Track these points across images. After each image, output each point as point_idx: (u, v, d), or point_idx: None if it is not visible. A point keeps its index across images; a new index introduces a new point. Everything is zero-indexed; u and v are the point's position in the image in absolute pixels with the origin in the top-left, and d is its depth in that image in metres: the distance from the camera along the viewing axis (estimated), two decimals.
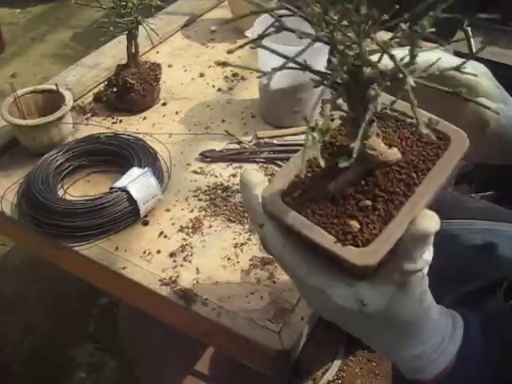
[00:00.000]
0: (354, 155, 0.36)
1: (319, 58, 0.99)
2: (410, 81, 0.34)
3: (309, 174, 0.45)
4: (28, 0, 3.52)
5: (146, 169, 0.90)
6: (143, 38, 1.23)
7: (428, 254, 0.42)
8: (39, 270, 1.69)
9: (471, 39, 1.65)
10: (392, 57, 0.36)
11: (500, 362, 0.50)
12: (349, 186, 0.43)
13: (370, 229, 0.41)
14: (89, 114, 1.13)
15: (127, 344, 1.38)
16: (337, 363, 1.56)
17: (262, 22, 1.02)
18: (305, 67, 0.41)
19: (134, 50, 1.07)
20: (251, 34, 1.01)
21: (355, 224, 0.41)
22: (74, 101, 1.16)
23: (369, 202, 0.42)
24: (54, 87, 1.00)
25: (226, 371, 1.24)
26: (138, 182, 0.88)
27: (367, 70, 0.39)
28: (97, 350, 1.53)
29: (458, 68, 0.38)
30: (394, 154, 0.44)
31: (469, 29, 1.79)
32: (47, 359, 1.49)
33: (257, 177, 0.46)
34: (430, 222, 0.40)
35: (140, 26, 1.04)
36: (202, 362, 1.27)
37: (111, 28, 1.02)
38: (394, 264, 0.42)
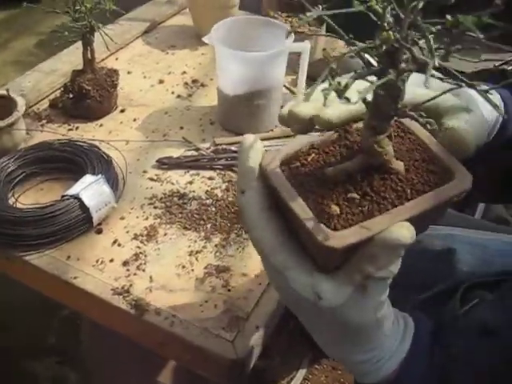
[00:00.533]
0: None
1: (277, 65, 1.00)
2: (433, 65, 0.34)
3: (314, 155, 0.46)
4: None
5: (99, 176, 0.88)
6: (102, 44, 1.22)
7: (395, 267, 0.42)
8: None
9: None
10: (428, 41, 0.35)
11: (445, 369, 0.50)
12: (345, 176, 0.43)
13: (347, 218, 0.41)
14: (44, 121, 1.10)
15: (90, 356, 1.35)
16: (302, 372, 1.56)
17: (219, 28, 1.01)
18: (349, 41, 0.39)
19: (90, 56, 1.06)
20: (208, 39, 1.00)
21: (336, 208, 0.41)
22: (30, 107, 1.14)
23: (356, 196, 0.42)
24: (5, 92, 0.98)
25: (188, 382, 1.22)
26: (90, 190, 0.86)
27: (404, 56, 0.38)
28: (58, 363, 1.49)
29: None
30: (399, 165, 0.44)
31: None
32: (6, 374, 1.45)
33: (258, 143, 0.46)
34: (405, 232, 0.40)
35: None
36: (165, 373, 1.25)
37: (66, 33, 1.01)
38: (358, 264, 0.41)
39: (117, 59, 1.30)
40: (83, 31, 0.98)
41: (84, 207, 0.85)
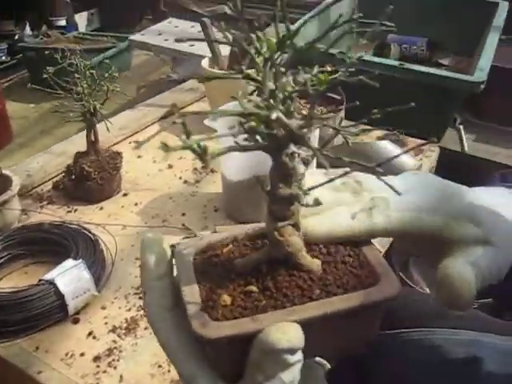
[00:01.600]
0: None
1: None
2: None
3: (232, 247, 0.43)
4: (42, 96, 3.62)
5: (80, 260, 0.82)
6: (116, 129, 1.21)
7: (287, 375, 0.34)
8: None
9: (463, 137, 1.62)
10: None
11: None
12: (251, 268, 0.40)
13: (237, 311, 0.37)
14: (45, 202, 1.07)
15: None
16: None
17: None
18: None
19: (93, 138, 1.03)
20: (210, 122, 0.96)
21: (227, 299, 0.38)
22: (33, 188, 1.11)
23: (255, 289, 0.38)
24: None
25: None
26: (68, 275, 0.80)
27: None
28: None
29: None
30: (312, 262, 0.39)
31: (461, 127, 1.75)
32: None
33: (160, 241, 0.41)
34: (279, 336, 0.33)
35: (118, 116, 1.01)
36: None
37: (71, 114, 0.99)
38: (249, 372, 0.35)
39: (130, 143, 1.29)
40: (84, 112, 0.96)
41: (59, 293, 0.79)
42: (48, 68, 0.92)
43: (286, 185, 0.38)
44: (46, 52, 0.97)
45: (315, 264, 0.40)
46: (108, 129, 0.98)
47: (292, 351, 0.33)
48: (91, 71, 0.93)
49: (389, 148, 1.17)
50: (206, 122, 0.97)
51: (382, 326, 0.47)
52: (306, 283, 0.38)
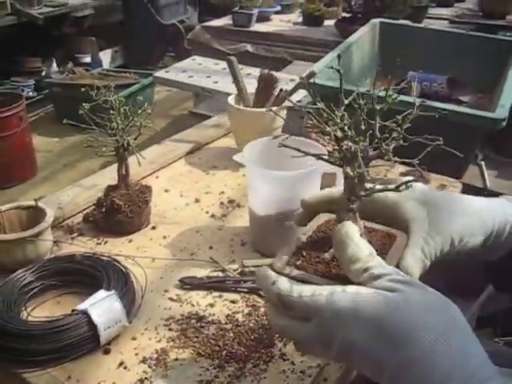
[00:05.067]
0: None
1: (309, 185, 0.97)
2: None
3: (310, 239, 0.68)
4: (66, 130, 3.69)
5: (112, 291, 0.84)
6: (146, 163, 1.24)
7: None
8: None
9: (485, 173, 1.63)
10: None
11: None
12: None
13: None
14: (75, 234, 1.10)
15: None
16: None
17: (252, 147, 1.00)
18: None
19: (124, 171, 1.06)
20: (239, 158, 0.99)
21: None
22: (64, 220, 1.14)
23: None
24: (33, 203, 0.99)
25: None
26: (101, 305, 0.82)
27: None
28: None
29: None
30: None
31: (483, 163, 1.76)
32: None
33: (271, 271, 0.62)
34: None
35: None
36: None
37: (103, 149, 1.03)
38: None
39: (157, 177, 1.31)
40: (117, 147, 0.99)
41: (91, 324, 0.80)
42: (84, 104, 0.95)
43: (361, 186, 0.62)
44: (82, 89, 0.99)
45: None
46: (140, 163, 1.01)
47: None
48: (125, 107, 0.97)
49: None
50: (235, 157, 0.99)
51: None
52: None
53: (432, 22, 3.14)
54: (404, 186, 0.59)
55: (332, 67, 0.62)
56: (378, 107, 0.59)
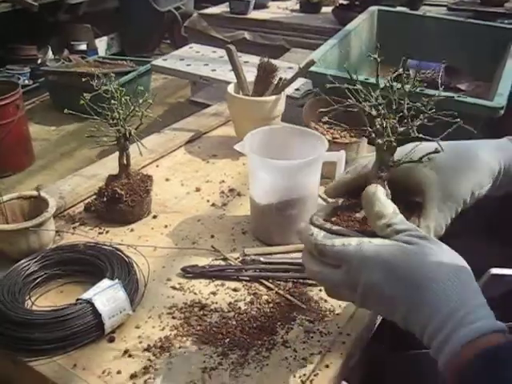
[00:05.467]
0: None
1: (309, 174, 0.97)
2: None
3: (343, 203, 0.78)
4: (63, 118, 3.68)
5: (116, 281, 0.85)
6: (146, 152, 1.24)
7: None
8: None
9: None
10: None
11: None
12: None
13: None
14: (77, 223, 1.10)
15: None
16: None
17: (252, 137, 1.00)
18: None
19: (125, 161, 1.07)
20: (240, 147, 0.99)
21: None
22: (65, 210, 1.14)
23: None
24: (36, 193, 0.99)
25: None
26: (105, 294, 0.83)
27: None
28: None
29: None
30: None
31: None
32: None
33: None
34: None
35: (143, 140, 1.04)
36: None
37: (104, 138, 1.03)
38: None
39: (157, 166, 1.32)
40: (118, 137, 0.99)
41: (96, 313, 0.81)
42: (85, 94, 0.95)
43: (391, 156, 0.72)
44: (83, 79, 0.99)
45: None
46: (141, 153, 1.01)
47: None
48: (126, 97, 0.97)
49: None
50: (236, 146, 1.00)
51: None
52: None
53: (429, 9, 3.13)
54: (426, 158, 0.69)
55: (370, 55, 0.74)
56: (407, 90, 0.70)
